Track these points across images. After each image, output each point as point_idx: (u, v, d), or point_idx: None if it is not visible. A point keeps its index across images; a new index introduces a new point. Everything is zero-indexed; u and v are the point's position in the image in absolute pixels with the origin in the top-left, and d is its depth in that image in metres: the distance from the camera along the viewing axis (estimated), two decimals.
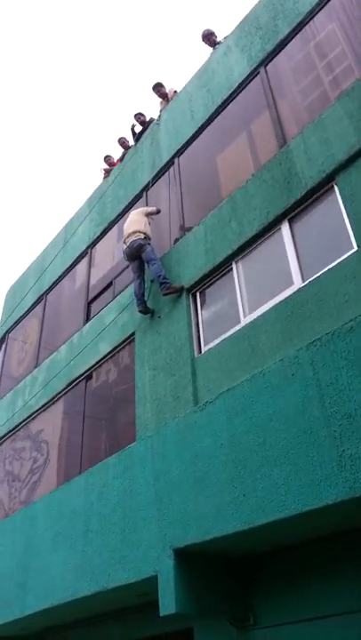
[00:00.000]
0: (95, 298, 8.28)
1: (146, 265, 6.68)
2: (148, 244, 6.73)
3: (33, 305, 10.42)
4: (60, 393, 7.80)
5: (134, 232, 6.86)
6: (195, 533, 4.43)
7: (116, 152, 10.08)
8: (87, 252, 9.17)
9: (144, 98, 44.09)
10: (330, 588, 4.27)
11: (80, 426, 7.03)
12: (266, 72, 6.59)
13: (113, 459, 5.83)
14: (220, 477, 4.40)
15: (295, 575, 4.50)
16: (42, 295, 10.19)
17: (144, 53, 44.13)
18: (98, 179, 10.53)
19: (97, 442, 6.85)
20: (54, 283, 9.84)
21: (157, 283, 6.29)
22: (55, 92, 43.75)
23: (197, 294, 5.99)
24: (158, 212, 7.38)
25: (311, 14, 6.22)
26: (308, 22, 6.26)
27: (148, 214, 7.25)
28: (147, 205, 7.70)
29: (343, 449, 3.58)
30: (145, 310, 6.39)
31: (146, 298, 6.46)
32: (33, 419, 8.29)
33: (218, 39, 8.40)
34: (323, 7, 6.12)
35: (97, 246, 9.04)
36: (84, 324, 8.05)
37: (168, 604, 4.38)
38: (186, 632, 5.33)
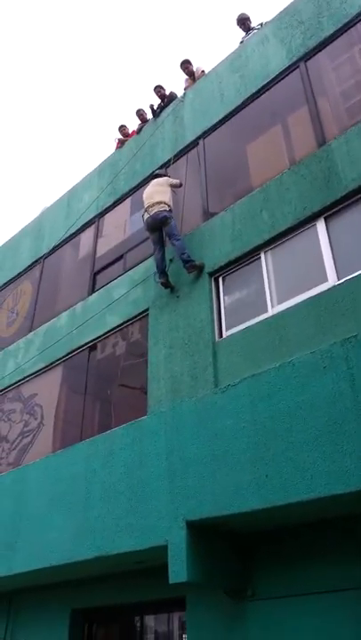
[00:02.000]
0: (102, 269, 8.24)
1: (167, 238, 6.67)
2: (172, 217, 6.65)
3: (28, 267, 10.24)
4: (59, 359, 7.78)
5: (159, 202, 6.70)
6: (210, 508, 4.62)
7: (131, 123, 9.98)
8: (95, 221, 9.08)
9: (157, 69, 43.26)
10: (325, 568, 4.59)
11: (82, 394, 7.07)
12: (306, 67, 6.67)
13: (121, 429, 5.94)
14: (240, 457, 4.60)
15: (294, 554, 4.80)
16: (39, 259, 10.03)
17: (160, 25, 43.04)
18: (104, 146, 10.38)
19: (101, 412, 6.92)
20: (55, 247, 9.69)
21: (179, 260, 6.34)
22: (74, 60, 42.16)
23: (220, 279, 6.10)
24: (181, 185, 7.29)
25: (360, 17, 6.32)
26: (355, 24, 6.36)
27: (173, 186, 7.13)
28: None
29: None
30: (167, 284, 6.40)
31: (167, 271, 6.50)
32: (26, 382, 8.24)
33: (253, 25, 8.41)
34: None
35: (106, 216, 8.96)
36: (90, 295, 8.01)
37: (179, 572, 4.57)
38: (178, 600, 5.57)
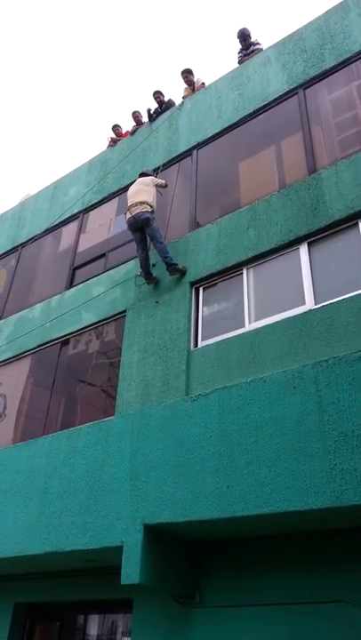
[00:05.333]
0: (83, 265, 8.23)
1: (148, 239, 6.68)
2: (155, 218, 6.67)
3: (4, 254, 10.10)
4: (28, 351, 7.72)
5: (142, 202, 6.70)
6: (169, 514, 4.70)
7: (126, 123, 10.02)
8: (79, 216, 9.06)
9: (151, 70, 43.24)
10: (271, 581, 4.74)
11: (48, 389, 7.03)
12: (305, 95, 6.90)
13: (86, 428, 5.96)
14: (204, 466, 4.70)
15: (245, 565, 4.94)
16: (17, 246, 9.92)
17: (158, 25, 43.09)
18: (94, 142, 10.38)
19: (66, 409, 6.90)
20: (34, 237, 9.61)
21: (162, 263, 6.43)
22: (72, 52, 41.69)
23: (200, 289, 6.22)
24: (166, 185, 7.32)
25: (360, 55, 6.59)
26: (355, 61, 6.62)
27: (158, 186, 7.15)
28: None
29: (335, 463, 4.00)
30: (152, 279, 6.53)
31: (151, 270, 6.57)
32: None
33: (252, 39, 8.60)
34: None
35: (91, 213, 8.96)
36: (67, 289, 8.00)
37: (131, 574, 4.63)
38: (125, 602, 5.61)
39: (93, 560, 5.62)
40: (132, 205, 6.76)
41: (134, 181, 7.56)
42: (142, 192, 6.87)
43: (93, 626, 6.31)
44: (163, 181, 7.28)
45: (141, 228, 6.65)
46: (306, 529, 4.60)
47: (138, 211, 6.64)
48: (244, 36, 8.66)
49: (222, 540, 5.11)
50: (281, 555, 4.72)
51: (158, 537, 4.88)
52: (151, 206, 6.72)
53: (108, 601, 5.92)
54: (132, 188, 7.09)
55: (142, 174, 7.38)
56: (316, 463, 4.10)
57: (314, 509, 3.96)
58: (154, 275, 6.58)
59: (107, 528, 5.07)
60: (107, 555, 5.23)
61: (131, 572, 4.63)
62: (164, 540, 4.94)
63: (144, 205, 6.67)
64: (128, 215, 6.78)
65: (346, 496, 3.84)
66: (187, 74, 8.97)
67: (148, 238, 6.67)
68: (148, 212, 6.63)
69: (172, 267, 6.28)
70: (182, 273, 6.32)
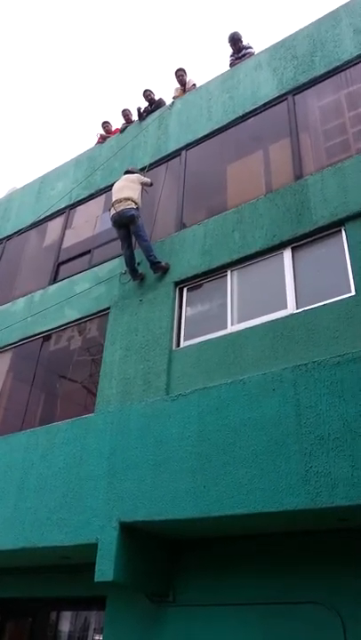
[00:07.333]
0: (67, 260, 8.20)
1: (133, 236, 6.65)
2: (140, 216, 6.62)
3: None
4: (9, 345, 7.66)
5: (126, 199, 6.62)
6: (145, 512, 4.73)
7: (116, 120, 10.00)
8: (65, 211, 9.02)
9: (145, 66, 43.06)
10: (243, 581, 4.81)
11: (28, 384, 6.99)
12: (294, 101, 6.96)
13: (65, 424, 5.95)
14: (182, 466, 4.74)
15: (218, 564, 4.99)
16: (2, 239, 9.83)
17: (153, 21, 42.96)
18: (82, 138, 10.34)
19: (45, 404, 6.87)
20: (19, 231, 9.53)
21: (147, 261, 6.44)
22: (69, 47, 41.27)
23: (185, 289, 6.24)
24: (151, 184, 7.27)
25: (349, 64, 6.68)
26: (344, 70, 6.71)
27: (143, 184, 7.09)
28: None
29: (311, 465, 4.07)
30: (138, 275, 6.55)
31: (136, 267, 6.59)
32: None
33: (244, 43, 8.64)
34: None
35: (77, 209, 8.93)
36: (51, 284, 7.95)
37: (106, 571, 4.65)
38: (98, 599, 5.62)
39: (68, 557, 5.62)
40: (116, 201, 6.69)
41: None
42: (127, 188, 6.80)
43: (66, 622, 6.30)
44: (148, 180, 7.26)
45: (126, 224, 6.60)
46: (281, 530, 4.67)
47: (123, 207, 6.58)
48: (234, 40, 8.70)
49: (198, 540, 5.15)
50: (256, 555, 4.77)
51: (134, 535, 4.91)
52: (136, 203, 6.66)
53: (82, 598, 5.92)
54: (116, 185, 7.04)
55: (128, 172, 7.36)
56: (292, 465, 4.16)
57: (289, 511, 4.03)
58: (140, 271, 6.59)
59: (82, 525, 5.08)
60: (82, 552, 5.24)
61: (105, 569, 4.65)
62: (139, 539, 4.97)
63: (129, 202, 6.61)
64: (112, 211, 6.69)
65: (320, 498, 3.91)
66: (181, 73, 8.98)
67: (133, 236, 6.66)
68: (133, 208, 6.57)
69: (155, 265, 6.31)
70: (165, 270, 6.35)
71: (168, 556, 5.24)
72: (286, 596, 4.49)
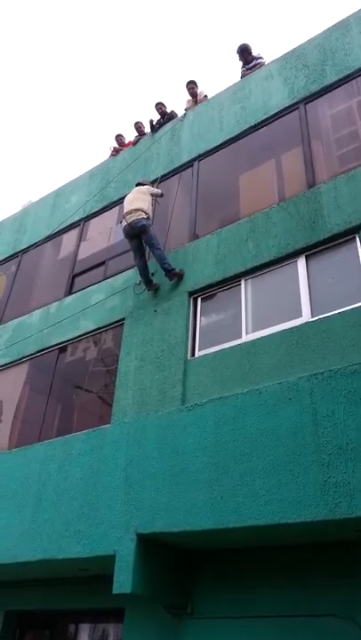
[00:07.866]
0: (82, 272, 8.27)
1: (145, 245, 6.71)
2: (151, 225, 6.69)
3: (5, 259, 10.15)
4: (26, 357, 7.73)
5: (137, 210, 6.70)
6: (163, 523, 4.71)
7: (128, 133, 10.12)
8: (80, 223, 9.12)
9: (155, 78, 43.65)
10: (264, 593, 4.74)
11: (45, 395, 7.04)
12: (305, 110, 6.98)
13: (82, 435, 5.97)
14: (198, 477, 4.71)
15: (237, 576, 4.94)
16: (17, 252, 9.96)
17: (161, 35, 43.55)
18: (96, 151, 10.48)
19: (62, 415, 6.91)
20: (35, 244, 9.65)
21: (161, 270, 6.48)
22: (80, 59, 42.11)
23: (199, 299, 6.25)
24: (162, 195, 7.39)
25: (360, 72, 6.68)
26: (355, 77, 6.71)
27: (154, 195, 7.20)
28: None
29: (329, 475, 4.02)
30: (153, 285, 6.59)
31: (151, 277, 6.64)
32: None
33: (253, 54, 8.69)
34: None
35: (91, 221, 9.02)
36: (66, 296, 8.03)
37: (124, 583, 4.63)
38: (116, 611, 5.59)
39: (86, 569, 5.62)
40: (127, 213, 6.78)
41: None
42: (138, 200, 6.89)
43: (84, 635, 6.28)
44: (159, 191, 7.36)
45: (138, 235, 6.67)
46: (299, 541, 4.61)
47: (134, 218, 6.67)
48: (243, 52, 8.77)
49: (215, 551, 5.11)
50: (274, 566, 4.72)
51: (151, 546, 4.88)
52: (147, 213, 6.73)
53: (100, 610, 5.90)
54: (128, 197, 7.16)
55: (139, 184, 7.45)
56: (310, 476, 4.12)
57: (307, 522, 3.98)
58: (154, 282, 6.63)
59: (100, 536, 5.07)
60: (99, 563, 5.23)
61: (123, 581, 4.63)
62: (156, 550, 4.94)
63: (139, 212, 6.69)
64: (124, 223, 6.80)
65: (339, 509, 3.86)
66: (192, 85, 9.07)
67: (146, 245, 6.72)
68: (143, 218, 6.65)
69: (170, 272, 6.36)
70: (181, 277, 6.38)
71: (186, 567, 5.20)
72: (305, 608, 4.42)
